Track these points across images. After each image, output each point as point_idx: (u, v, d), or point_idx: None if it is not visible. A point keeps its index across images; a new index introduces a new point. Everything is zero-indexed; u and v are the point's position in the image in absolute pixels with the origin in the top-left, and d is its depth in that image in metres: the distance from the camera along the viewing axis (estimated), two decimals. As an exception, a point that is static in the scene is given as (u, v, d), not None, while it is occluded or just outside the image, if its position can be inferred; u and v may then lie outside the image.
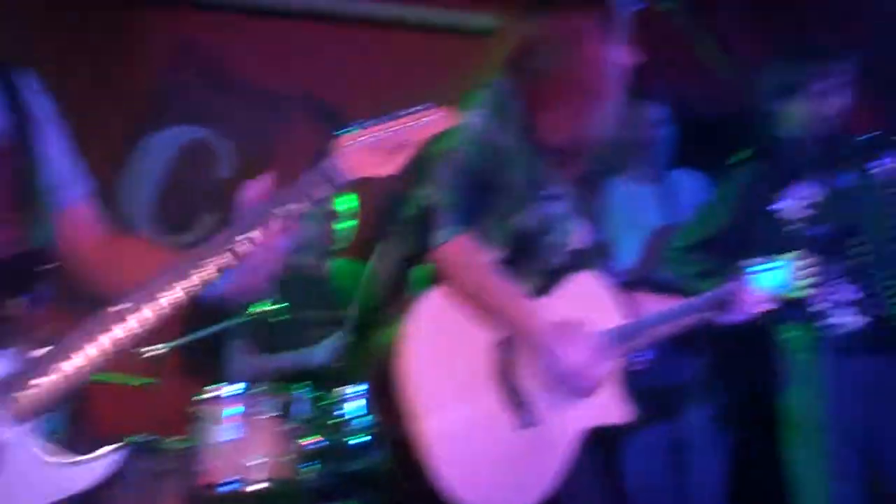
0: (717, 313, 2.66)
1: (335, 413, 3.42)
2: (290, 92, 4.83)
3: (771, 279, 2.66)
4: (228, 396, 3.45)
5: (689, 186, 4.30)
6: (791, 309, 3.07)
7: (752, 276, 2.69)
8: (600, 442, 2.54)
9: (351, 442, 3.37)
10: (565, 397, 2.39)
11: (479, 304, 2.34)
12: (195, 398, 3.48)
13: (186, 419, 3.50)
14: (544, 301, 2.46)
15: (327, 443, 3.37)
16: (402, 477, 2.30)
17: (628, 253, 4.30)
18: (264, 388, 3.46)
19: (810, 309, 2.95)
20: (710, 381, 4.19)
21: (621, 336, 2.51)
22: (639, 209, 4.40)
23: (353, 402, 3.41)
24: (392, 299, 4.52)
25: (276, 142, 4.77)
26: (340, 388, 3.47)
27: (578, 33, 2.42)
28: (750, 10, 5.04)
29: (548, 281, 2.50)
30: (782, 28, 5.07)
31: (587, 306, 2.51)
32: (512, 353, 2.36)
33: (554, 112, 2.42)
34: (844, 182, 2.95)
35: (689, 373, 4.13)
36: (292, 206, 1.74)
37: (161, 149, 4.65)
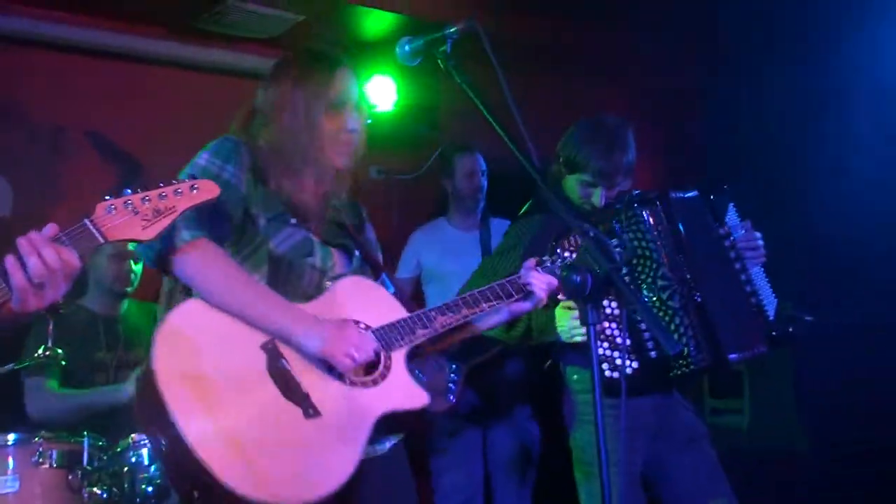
0: (506, 301, 2.70)
1: (125, 460, 3.32)
2: (76, 128, 4.71)
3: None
4: (8, 446, 3.29)
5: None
6: (574, 352, 3.25)
7: (543, 266, 2.76)
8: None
9: (142, 490, 3.26)
10: (334, 376, 2.38)
11: (230, 300, 2.33)
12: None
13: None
14: (311, 304, 2.46)
15: (116, 492, 3.25)
16: (189, 488, 2.24)
17: (444, 295, 4.46)
18: (48, 436, 3.31)
19: (589, 351, 3.16)
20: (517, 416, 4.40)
21: (404, 328, 2.53)
22: (459, 253, 4.60)
23: (144, 448, 3.33)
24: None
25: (60, 179, 4.63)
26: (129, 434, 3.40)
27: (292, 104, 2.54)
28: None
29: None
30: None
31: (361, 304, 2.52)
32: (278, 349, 2.34)
33: (276, 172, 2.51)
34: (606, 232, 3.05)
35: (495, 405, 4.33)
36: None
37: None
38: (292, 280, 2.48)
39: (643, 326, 3.12)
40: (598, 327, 2.91)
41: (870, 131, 5.29)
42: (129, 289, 4.10)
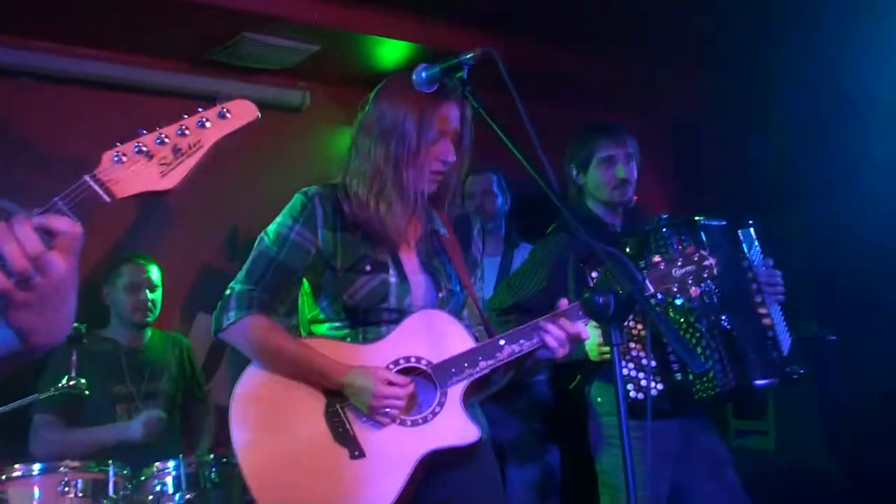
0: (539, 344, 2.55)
1: (150, 489, 3.33)
2: (91, 161, 4.74)
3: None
4: (34, 475, 3.29)
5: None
6: (599, 372, 3.25)
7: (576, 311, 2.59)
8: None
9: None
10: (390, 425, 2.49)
11: (276, 369, 2.55)
12: (-2, 478, 3.32)
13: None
14: (378, 344, 2.57)
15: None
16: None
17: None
18: (73, 465, 3.32)
19: (614, 372, 3.15)
20: (535, 442, 4.35)
21: (464, 361, 2.53)
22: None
23: (168, 476, 3.35)
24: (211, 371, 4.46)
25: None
26: (153, 462, 3.41)
27: (403, 129, 2.59)
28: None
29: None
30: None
31: (426, 339, 2.57)
32: (339, 401, 2.50)
33: (370, 199, 2.60)
34: (636, 255, 3.15)
35: (512, 433, 4.29)
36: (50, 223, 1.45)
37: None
38: (370, 322, 2.59)
39: (669, 349, 3.14)
40: (624, 348, 2.92)
41: (882, 145, 5.29)
42: (149, 318, 4.12)
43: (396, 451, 2.46)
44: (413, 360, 2.55)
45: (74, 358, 3.50)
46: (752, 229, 3.42)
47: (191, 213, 4.83)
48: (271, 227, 2.64)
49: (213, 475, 3.43)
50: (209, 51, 4.86)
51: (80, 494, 3.27)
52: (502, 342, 2.53)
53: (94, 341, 3.90)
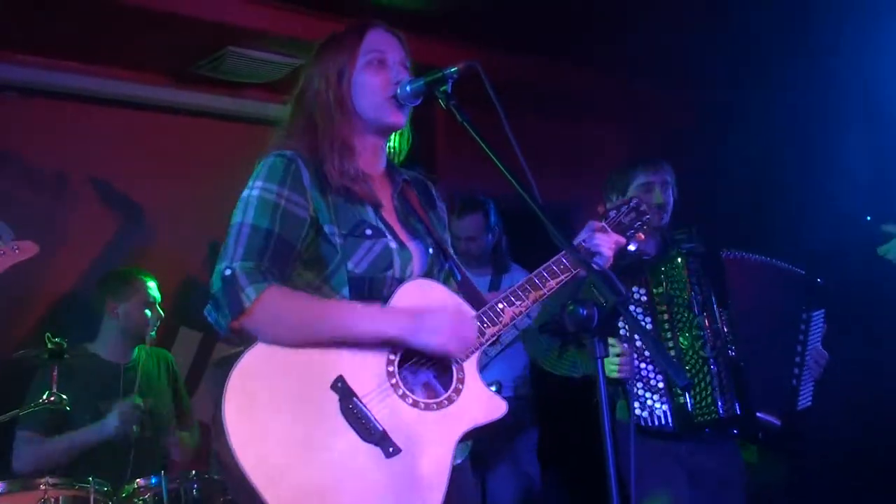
0: (574, 272, 2.41)
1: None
2: (78, 174, 4.74)
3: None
4: (15, 493, 3.26)
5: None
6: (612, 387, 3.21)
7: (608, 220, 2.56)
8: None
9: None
10: (408, 403, 2.22)
11: (318, 335, 2.19)
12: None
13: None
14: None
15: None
16: None
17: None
18: (53, 482, 3.28)
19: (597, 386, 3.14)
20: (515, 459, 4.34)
21: (486, 317, 2.33)
22: None
23: (148, 492, 3.32)
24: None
25: (61, 224, 4.64)
26: (134, 478, 3.39)
27: (325, 73, 2.56)
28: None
29: None
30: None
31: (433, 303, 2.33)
32: (348, 386, 2.19)
33: (334, 158, 2.39)
34: (654, 278, 3.25)
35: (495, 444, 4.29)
36: None
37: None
38: (374, 296, 2.31)
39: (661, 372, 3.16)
40: (635, 368, 3.04)
41: (860, 158, 5.30)
42: (152, 334, 4.06)
43: (430, 438, 2.21)
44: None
45: (55, 374, 3.46)
46: (822, 296, 3.46)
47: (172, 228, 4.81)
48: (251, 196, 2.30)
49: (195, 492, 3.40)
50: (194, 65, 4.86)
51: (64, 511, 3.24)
52: (501, 306, 2.35)
53: (76, 356, 3.85)
